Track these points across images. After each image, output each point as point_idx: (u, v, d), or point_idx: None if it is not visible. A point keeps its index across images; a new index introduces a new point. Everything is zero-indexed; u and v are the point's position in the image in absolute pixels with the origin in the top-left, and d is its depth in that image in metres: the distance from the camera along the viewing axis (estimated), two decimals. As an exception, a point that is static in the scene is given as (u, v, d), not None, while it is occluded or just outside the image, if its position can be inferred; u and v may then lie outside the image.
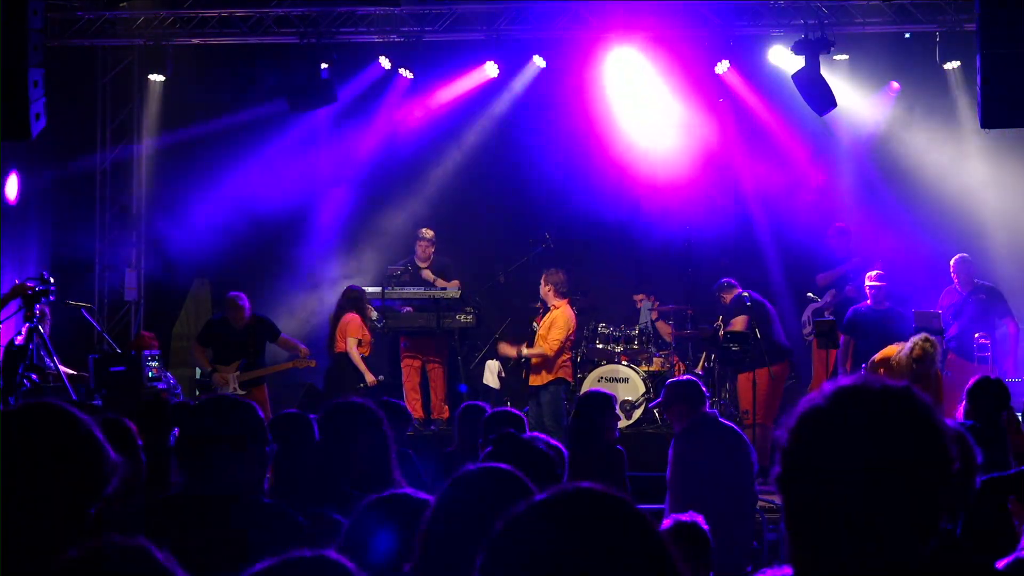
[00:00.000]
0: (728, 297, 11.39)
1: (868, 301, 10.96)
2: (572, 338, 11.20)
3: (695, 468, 6.49)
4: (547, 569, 1.56)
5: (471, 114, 13.59)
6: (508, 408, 6.64)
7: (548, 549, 1.57)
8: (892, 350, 9.34)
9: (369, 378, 11.08)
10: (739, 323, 10.96)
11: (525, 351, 10.97)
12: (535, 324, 11.32)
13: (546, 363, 10.94)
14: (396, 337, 12.23)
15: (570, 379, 11.26)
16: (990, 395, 6.26)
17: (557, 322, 10.93)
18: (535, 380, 11.04)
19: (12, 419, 2.29)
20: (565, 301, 11.07)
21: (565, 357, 11.11)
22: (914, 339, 9.22)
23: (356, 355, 11.13)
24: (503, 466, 2.61)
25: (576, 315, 11.28)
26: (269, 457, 3.54)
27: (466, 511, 2.45)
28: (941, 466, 1.69)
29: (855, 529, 1.65)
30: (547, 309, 11.20)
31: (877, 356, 9.45)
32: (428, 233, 12.44)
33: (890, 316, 10.73)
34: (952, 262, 11.06)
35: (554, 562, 1.56)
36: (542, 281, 11.14)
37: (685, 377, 7.28)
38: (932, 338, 9.27)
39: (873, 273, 11.01)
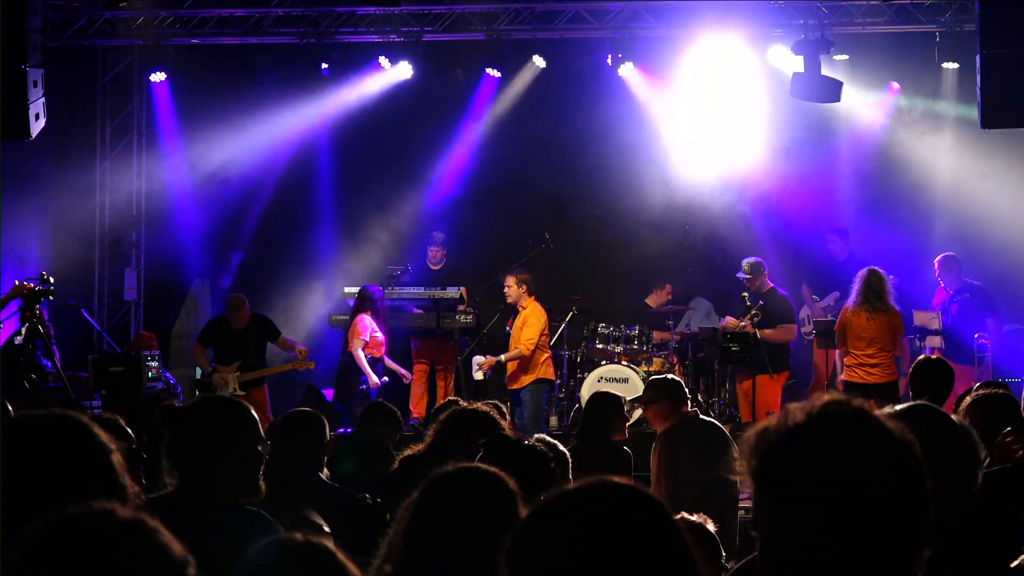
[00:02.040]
0: (758, 282, 10.75)
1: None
2: (547, 334, 11.18)
3: (679, 467, 6.46)
4: (573, 561, 1.61)
5: (471, 113, 13.59)
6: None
7: (574, 541, 1.62)
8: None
9: (372, 380, 11.06)
10: (789, 332, 10.70)
11: (503, 358, 10.94)
12: (508, 327, 11.33)
13: (524, 364, 10.94)
14: (407, 339, 12.21)
15: (552, 378, 11.23)
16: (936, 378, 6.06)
17: (529, 321, 10.94)
18: (514, 383, 11.03)
19: (27, 428, 2.29)
20: (533, 299, 11.08)
21: (544, 356, 11.06)
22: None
23: (359, 356, 11.11)
24: (482, 466, 2.59)
25: (553, 311, 11.30)
26: (263, 457, 3.51)
27: (446, 511, 2.44)
28: (906, 483, 1.72)
29: (820, 545, 1.69)
30: (516, 310, 11.18)
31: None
32: (440, 237, 12.51)
33: None
34: (936, 261, 10.99)
35: (581, 554, 1.60)
36: (511, 282, 11.09)
37: (667, 375, 7.28)
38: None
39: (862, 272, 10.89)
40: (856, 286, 9.79)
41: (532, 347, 10.86)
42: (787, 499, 1.72)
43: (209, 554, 3.20)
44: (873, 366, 9.69)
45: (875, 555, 1.69)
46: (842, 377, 9.74)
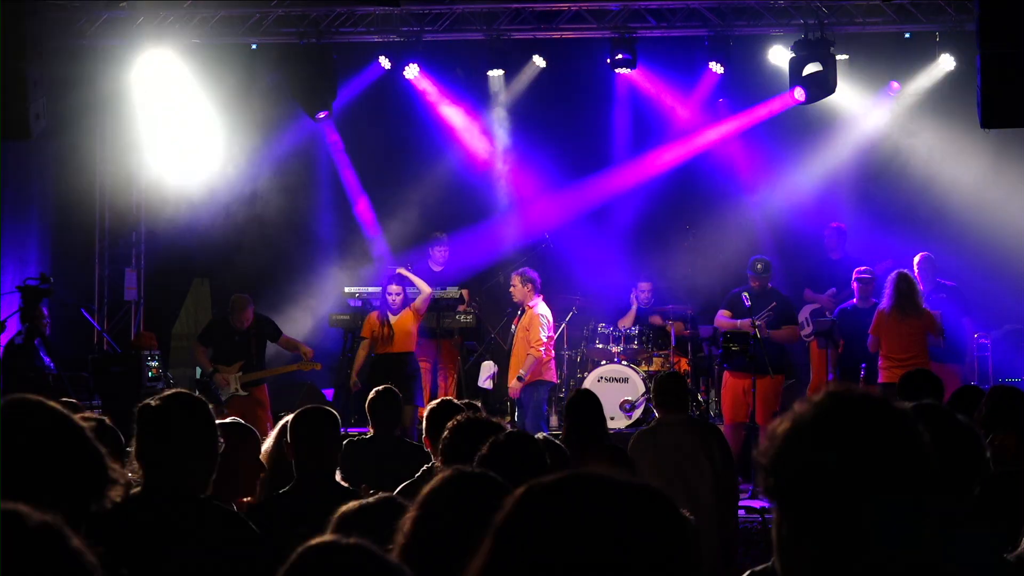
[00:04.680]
0: (764, 281, 10.78)
1: (855, 299, 10.86)
2: (552, 337, 11.06)
3: (667, 466, 6.43)
4: (564, 550, 1.56)
5: (472, 112, 13.60)
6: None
7: (565, 530, 1.56)
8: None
9: (351, 379, 11.01)
10: (793, 333, 10.84)
11: (523, 373, 10.73)
12: (514, 327, 11.25)
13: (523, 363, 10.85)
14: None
15: (553, 380, 11.10)
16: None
17: (535, 322, 10.80)
18: (515, 383, 10.96)
19: None
20: (540, 298, 11.00)
21: (546, 358, 11.00)
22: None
23: (359, 356, 11.08)
24: (487, 472, 2.59)
25: (553, 311, 11.19)
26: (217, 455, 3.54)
27: (450, 518, 2.42)
28: (918, 471, 1.72)
29: (840, 536, 1.68)
30: (522, 310, 11.04)
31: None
32: (443, 236, 12.55)
33: (871, 313, 10.54)
34: (916, 260, 10.97)
35: (574, 545, 1.55)
36: (516, 281, 10.98)
37: (670, 372, 7.25)
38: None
39: (861, 268, 10.94)
40: (888, 290, 10.01)
41: (542, 348, 10.79)
42: (803, 496, 1.71)
43: (183, 551, 3.24)
44: (910, 367, 9.83)
45: (892, 542, 1.69)
46: (880, 380, 9.84)
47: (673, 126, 13.36)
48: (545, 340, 10.78)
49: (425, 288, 11.13)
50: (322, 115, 12.53)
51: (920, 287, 10.48)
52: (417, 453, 5.99)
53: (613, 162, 13.45)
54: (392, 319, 10.96)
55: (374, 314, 11.13)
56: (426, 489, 2.50)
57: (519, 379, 10.71)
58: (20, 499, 1.60)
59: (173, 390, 3.57)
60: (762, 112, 12.87)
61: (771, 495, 1.77)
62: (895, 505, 1.70)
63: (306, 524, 3.52)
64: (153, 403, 3.49)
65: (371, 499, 2.74)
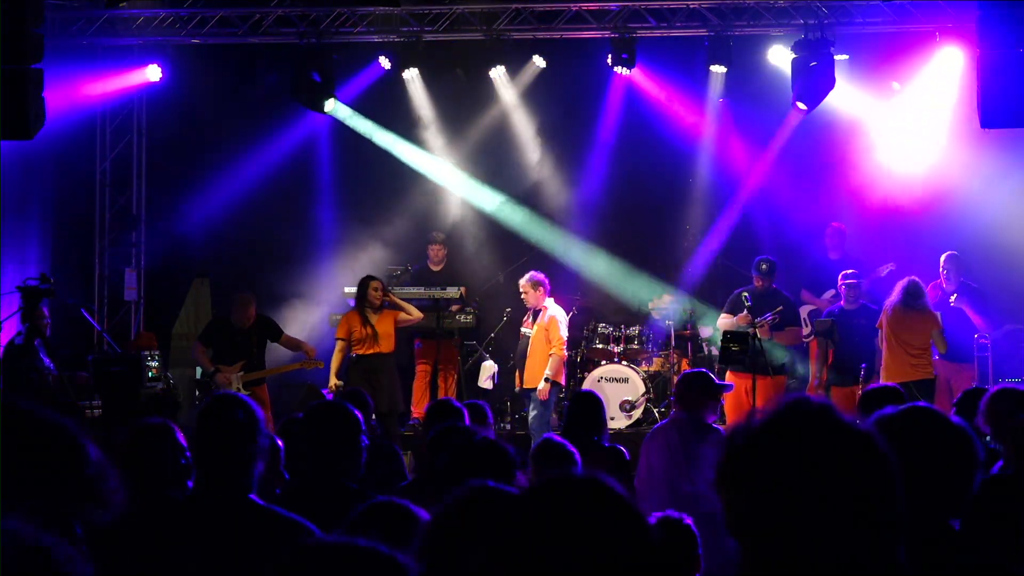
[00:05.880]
0: (768, 282, 10.82)
1: (841, 302, 10.91)
2: (567, 335, 11.11)
3: (675, 467, 6.42)
4: (538, 557, 1.61)
5: (470, 112, 13.60)
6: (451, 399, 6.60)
7: (539, 537, 1.62)
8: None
9: (331, 382, 10.84)
10: (797, 335, 10.96)
11: (549, 374, 10.71)
12: (524, 328, 11.23)
13: (543, 364, 10.84)
14: (410, 340, 12.15)
15: (561, 382, 11.08)
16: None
17: (554, 322, 10.86)
18: (529, 382, 10.95)
19: None
20: (552, 300, 11.03)
21: (565, 358, 11.01)
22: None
23: (335, 358, 10.90)
24: (500, 484, 2.58)
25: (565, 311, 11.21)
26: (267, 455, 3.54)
27: (464, 528, 2.41)
28: (871, 472, 1.74)
29: (792, 537, 1.70)
30: (534, 312, 11.03)
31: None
32: (440, 236, 12.51)
33: (860, 314, 10.65)
34: (943, 258, 10.98)
35: (544, 550, 1.61)
36: (526, 287, 10.94)
37: (693, 370, 7.25)
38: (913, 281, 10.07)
39: (847, 272, 10.98)
40: (897, 291, 10.18)
41: (563, 346, 10.83)
42: (762, 496, 1.73)
43: (234, 554, 3.25)
44: (913, 365, 10.10)
45: (862, 542, 1.71)
46: (882, 379, 9.90)
47: (673, 126, 13.34)
48: (566, 339, 10.85)
49: (415, 313, 10.98)
50: (329, 106, 12.65)
51: (945, 286, 10.70)
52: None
53: (612, 162, 13.43)
54: (373, 318, 10.81)
55: (353, 313, 10.96)
56: (451, 500, 2.49)
57: (546, 380, 10.71)
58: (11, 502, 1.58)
59: (221, 392, 3.59)
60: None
61: (734, 494, 1.79)
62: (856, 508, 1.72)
63: (314, 524, 3.53)
64: (205, 407, 3.54)
65: (381, 503, 2.74)
